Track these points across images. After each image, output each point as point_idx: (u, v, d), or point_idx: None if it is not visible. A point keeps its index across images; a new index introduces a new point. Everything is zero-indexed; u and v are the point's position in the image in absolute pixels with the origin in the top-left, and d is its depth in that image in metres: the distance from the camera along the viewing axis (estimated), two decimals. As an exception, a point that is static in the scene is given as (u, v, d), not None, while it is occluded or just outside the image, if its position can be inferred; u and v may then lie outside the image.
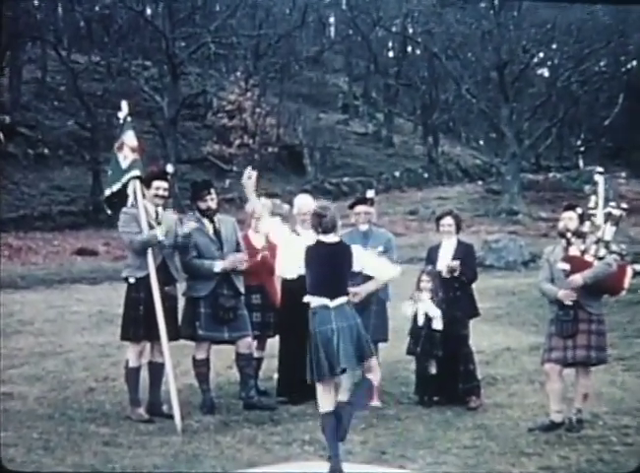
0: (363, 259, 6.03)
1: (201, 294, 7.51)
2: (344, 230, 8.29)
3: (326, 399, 5.85)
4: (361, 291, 6.12)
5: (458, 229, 8.13)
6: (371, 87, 46.62)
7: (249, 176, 6.35)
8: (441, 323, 7.75)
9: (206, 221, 7.61)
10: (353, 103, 45.64)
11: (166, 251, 7.33)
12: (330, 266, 5.91)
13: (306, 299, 5.94)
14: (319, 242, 5.96)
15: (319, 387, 5.86)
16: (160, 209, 7.39)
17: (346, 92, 46.38)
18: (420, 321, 7.79)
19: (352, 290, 5.97)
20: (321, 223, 5.93)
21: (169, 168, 7.80)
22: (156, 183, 7.35)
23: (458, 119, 46.25)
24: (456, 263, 7.78)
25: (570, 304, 6.79)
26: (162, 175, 7.49)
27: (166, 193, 7.44)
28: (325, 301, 5.85)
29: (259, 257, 8.07)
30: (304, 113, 38.85)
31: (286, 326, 7.82)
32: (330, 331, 5.79)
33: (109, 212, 7.58)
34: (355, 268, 6.00)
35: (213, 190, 7.70)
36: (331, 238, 5.96)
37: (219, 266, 7.49)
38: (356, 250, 6.04)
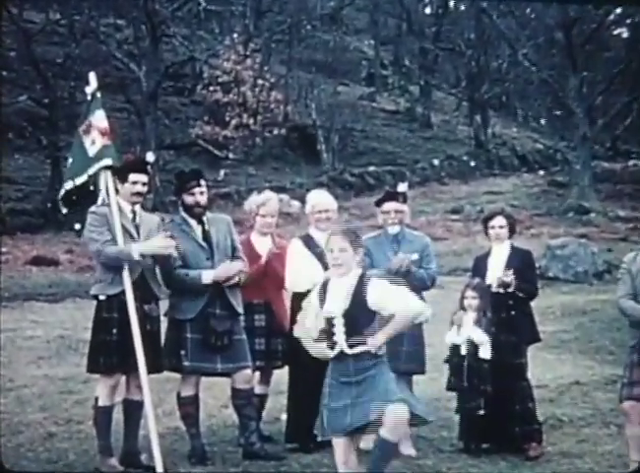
0: (376, 292, 6.00)
1: (187, 315, 7.47)
2: (370, 232, 8.33)
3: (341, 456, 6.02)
4: (375, 341, 5.95)
5: (511, 232, 8.15)
6: (403, 52, 46.64)
7: None
8: (489, 351, 7.76)
9: (193, 221, 7.58)
10: (381, 73, 45.68)
11: (146, 263, 7.29)
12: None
13: None
14: None
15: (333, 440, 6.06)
16: (137, 208, 7.35)
17: (371, 58, 46.43)
18: (463, 349, 7.80)
19: (368, 340, 5.95)
20: None
21: (149, 157, 7.75)
22: (132, 177, 7.29)
23: (513, 93, 46.18)
24: (510, 276, 7.77)
25: (657, 327, 6.80)
26: (141, 166, 7.44)
27: (145, 188, 7.38)
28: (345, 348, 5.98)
29: (262, 261, 8.00)
30: (319, 86, 38.90)
31: (297, 355, 7.78)
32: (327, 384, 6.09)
33: (64, 211, 7.56)
34: (372, 307, 5.99)
35: (203, 182, 7.64)
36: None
37: (207, 277, 7.43)
38: (374, 284, 6.05)
